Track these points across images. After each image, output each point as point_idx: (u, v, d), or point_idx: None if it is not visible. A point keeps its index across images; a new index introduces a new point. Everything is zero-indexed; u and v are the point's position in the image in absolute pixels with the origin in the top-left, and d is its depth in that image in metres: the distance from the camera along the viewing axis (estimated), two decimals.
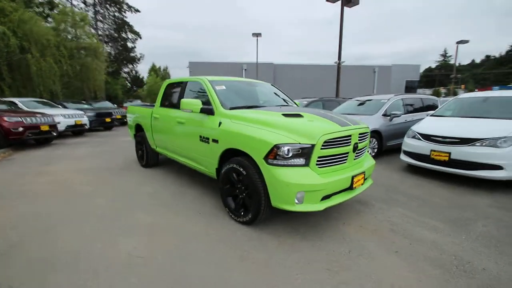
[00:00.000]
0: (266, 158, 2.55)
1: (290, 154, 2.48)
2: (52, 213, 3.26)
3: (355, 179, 2.81)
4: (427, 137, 4.67)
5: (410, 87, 28.70)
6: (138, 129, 5.67)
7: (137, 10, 26.68)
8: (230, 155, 3.13)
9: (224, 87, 3.65)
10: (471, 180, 4.43)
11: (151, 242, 2.61)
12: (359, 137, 2.97)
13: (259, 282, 2.04)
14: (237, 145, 2.86)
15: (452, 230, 2.85)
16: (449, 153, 4.28)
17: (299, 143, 2.48)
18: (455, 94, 29.57)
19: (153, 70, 54.68)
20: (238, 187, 2.99)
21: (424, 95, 8.31)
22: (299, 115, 2.94)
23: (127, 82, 35.48)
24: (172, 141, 4.22)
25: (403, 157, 5.17)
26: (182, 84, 4.23)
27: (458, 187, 4.18)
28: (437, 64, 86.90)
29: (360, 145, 3.00)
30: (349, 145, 2.82)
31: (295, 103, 4.31)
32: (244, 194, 2.93)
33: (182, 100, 3.38)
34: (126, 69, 30.96)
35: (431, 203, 3.57)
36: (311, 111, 3.17)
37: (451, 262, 2.29)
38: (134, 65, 30.13)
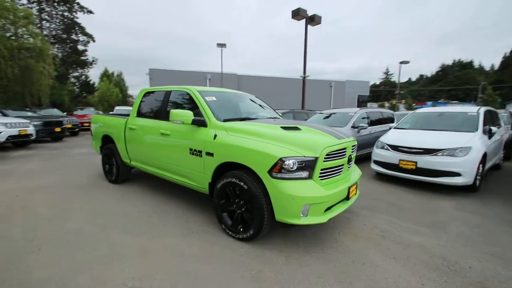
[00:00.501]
0: (270, 171, 2.51)
1: (295, 167, 2.49)
2: (13, 244, 2.74)
3: (350, 190, 2.93)
4: (395, 148, 5.13)
5: (361, 101, 31.46)
6: (106, 140, 5.17)
7: (90, 11, 24.74)
8: (224, 169, 3.03)
9: (214, 98, 3.55)
10: (433, 185, 4.96)
11: (147, 268, 2.35)
12: (351, 149, 3.13)
13: None
14: (236, 158, 2.78)
15: (433, 233, 3.13)
16: (416, 162, 4.75)
17: (304, 156, 2.51)
18: (396, 108, 33.22)
19: (106, 75, 50.92)
20: (236, 202, 2.89)
21: (383, 109, 9.16)
22: (296, 128, 2.99)
23: (75, 87, 32.30)
24: (153, 154, 3.92)
25: (373, 166, 5.57)
26: (163, 93, 4.00)
27: (424, 193, 4.64)
28: (381, 81, 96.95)
29: (352, 157, 3.16)
30: (345, 157, 2.95)
31: (279, 115, 4.38)
32: (242, 209, 2.84)
33: (172, 110, 3.18)
34: (75, 74, 28.18)
35: (407, 209, 3.89)
36: (306, 124, 3.25)
37: (442, 264, 2.50)
38: (85, 70, 27.54)
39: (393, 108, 36.46)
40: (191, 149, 3.26)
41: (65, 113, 15.14)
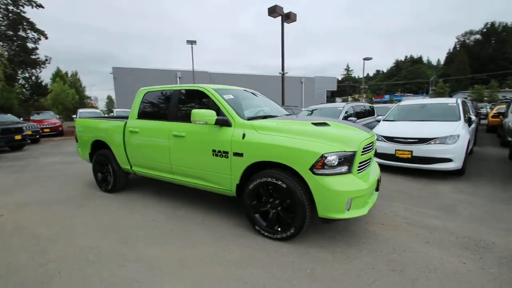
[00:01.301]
0: (312, 168, 2.49)
1: (336, 163, 2.49)
2: (26, 272, 2.37)
3: (378, 181, 3.03)
4: (390, 139, 5.42)
5: (330, 96, 32.84)
6: (97, 146, 4.72)
7: (40, 6, 22.13)
8: (253, 169, 2.94)
9: (232, 96, 3.41)
10: (426, 172, 5.36)
11: (196, 280, 2.19)
12: (376, 142, 3.24)
13: None
14: (272, 157, 2.70)
15: (447, 215, 3.38)
16: (411, 151, 5.07)
17: (344, 151, 2.53)
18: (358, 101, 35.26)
19: (58, 75, 46.44)
20: (270, 202, 2.82)
21: (365, 103, 9.64)
22: (325, 124, 2.99)
23: (24, 90, 28.87)
24: (162, 158, 3.65)
25: None
26: (171, 93, 3.74)
27: (421, 179, 4.98)
28: (342, 76, 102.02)
29: (375, 150, 3.27)
30: (372, 150, 3.04)
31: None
32: (278, 209, 2.78)
33: (194, 110, 2.99)
34: (25, 75, 25.15)
35: (415, 195, 4.14)
36: (331, 120, 3.27)
37: (469, 243, 2.70)
38: (37, 70, 24.68)
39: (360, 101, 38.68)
40: (214, 151, 3.10)
41: (21, 119, 13.50)
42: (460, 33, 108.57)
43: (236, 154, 2.94)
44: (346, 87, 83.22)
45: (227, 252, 2.61)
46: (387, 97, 65.86)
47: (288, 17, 13.12)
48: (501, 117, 8.66)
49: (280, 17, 13.13)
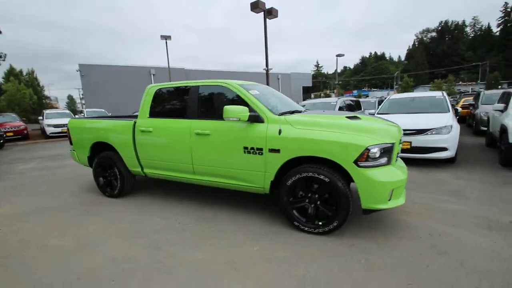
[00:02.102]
0: (356, 161, 2.53)
1: (378, 155, 2.56)
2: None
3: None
4: None
5: (306, 92, 33.62)
6: (97, 149, 4.36)
7: None
8: (287, 165, 2.91)
9: (257, 92, 3.33)
10: (420, 161, 5.71)
11: (257, 281, 2.12)
12: None
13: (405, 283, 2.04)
14: (313, 152, 2.69)
15: (459, 200, 3.64)
16: (410, 142, 5.38)
17: (385, 143, 2.60)
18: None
19: (12, 74, 42.11)
20: (309, 197, 2.83)
21: (352, 97, 10.01)
22: (357, 117, 3.05)
23: None
24: (182, 158, 3.47)
25: None
26: (188, 89, 3.56)
27: (420, 168, 5.31)
28: (313, 73, 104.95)
29: None
30: (401, 141, 3.17)
31: None
32: (317, 203, 2.80)
33: (226, 107, 2.87)
34: None
35: (423, 183, 4.40)
36: (360, 114, 3.34)
37: (490, 223, 2.93)
38: None
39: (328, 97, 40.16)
40: (246, 148, 3.02)
41: None
42: (418, 31, 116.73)
43: (272, 150, 2.88)
44: (317, 83, 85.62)
45: (272, 250, 2.57)
46: (355, 92, 69.30)
47: (270, 13, 13.10)
48: (471, 108, 9.48)
49: (261, 13, 13.08)
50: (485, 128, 8.12)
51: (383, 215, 3.24)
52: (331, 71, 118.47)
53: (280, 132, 2.85)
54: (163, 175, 3.78)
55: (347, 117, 2.98)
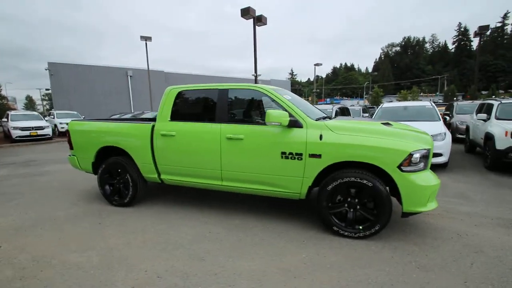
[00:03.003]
0: (400, 166, 2.62)
1: (419, 160, 2.68)
2: None
3: None
4: None
5: None
6: (103, 154, 4.05)
7: None
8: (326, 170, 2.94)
9: (289, 97, 3.33)
10: None
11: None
12: None
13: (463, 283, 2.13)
14: (355, 157, 2.74)
15: (467, 202, 3.91)
16: None
17: (424, 149, 2.73)
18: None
19: None
20: (348, 202, 2.87)
21: (341, 104, 10.41)
22: (389, 124, 3.17)
23: None
24: (210, 163, 3.34)
25: None
26: (216, 92, 3.45)
27: None
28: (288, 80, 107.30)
29: None
30: None
31: None
32: (357, 208, 2.84)
33: (269, 111, 2.82)
34: None
35: None
36: (390, 120, 3.47)
37: (504, 222, 3.18)
38: None
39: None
40: (284, 153, 2.99)
41: None
42: (384, 45, 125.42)
43: (312, 155, 2.88)
44: (293, 90, 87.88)
45: (322, 256, 2.55)
46: (328, 100, 72.53)
47: (260, 20, 13.29)
48: (447, 117, 10.33)
49: (248, 19, 13.21)
50: (462, 136, 8.88)
51: (411, 218, 3.37)
52: (304, 79, 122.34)
53: (321, 137, 2.87)
54: (184, 181, 3.60)
55: (382, 123, 3.09)
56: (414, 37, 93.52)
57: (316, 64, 31.21)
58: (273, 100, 3.19)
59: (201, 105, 3.58)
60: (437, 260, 2.44)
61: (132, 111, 22.47)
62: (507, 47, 68.44)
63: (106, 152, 4.08)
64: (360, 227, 2.82)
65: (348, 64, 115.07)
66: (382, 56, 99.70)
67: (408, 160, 2.62)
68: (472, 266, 2.34)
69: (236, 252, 2.65)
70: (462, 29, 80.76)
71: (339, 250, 2.63)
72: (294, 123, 2.98)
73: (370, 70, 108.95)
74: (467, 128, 7.86)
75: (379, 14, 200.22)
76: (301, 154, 2.93)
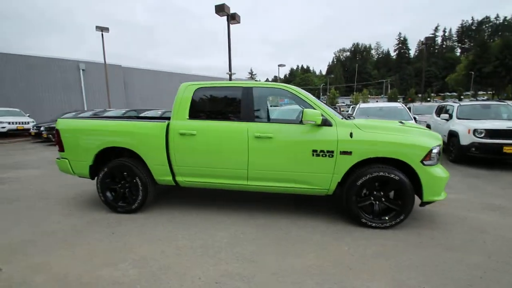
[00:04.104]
0: (422, 160, 2.92)
1: (435, 154, 3.02)
2: None
3: None
4: None
5: None
6: (102, 156, 3.67)
7: None
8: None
9: (313, 97, 3.42)
10: None
11: (390, 279, 2.23)
12: None
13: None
14: (384, 153, 2.96)
15: (453, 190, 4.48)
16: None
17: (439, 145, 3.07)
18: None
19: None
20: (374, 195, 3.09)
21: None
22: (402, 122, 3.48)
23: None
24: (237, 163, 3.26)
25: None
26: (239, 90, 3.37)
27: None
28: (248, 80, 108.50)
29: None
30: None
31: None
32: (382, 200, 3.08)
33: (306, 110, 2.88)
34: None
35: None
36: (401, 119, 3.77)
37: (490, 206, 3.75)
38: None
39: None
40: (315, 151, 3.07)
41: None
42: (336, 50, 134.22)
43: (343, 152, 3.03)
44: None
45: (363, 247, 2.69)
46: (286, 100, 75.02)
47: (234, 18, 13.18)
48: (416, 117, 11.58)
49: (222, 16, 13.03)
50: None
51: (414, 208, 3.73)
52: (262, 79, 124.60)
53: (351, 135, 3.03)
54: (204, 183, 3.45)
55: (399, 122, 3.38)
56: (362, 44, 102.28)
57: (280, 65, 32.11)
58: (302, 100, 3.25)
59: (223, 103, 3.47)
60: (457, 242, 2.78)
61: (86, 109, 20.34)
62: (437, 56, 79.23)
63: (106, 154, 3.69)
64: (386, 218, 3.06)
65: (304, 67, 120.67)
66: (335, 60, 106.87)
67: (429, 155, 2.93)
68: (486, 244, 2.73)
69: (280, 250, 2.66)
70: (401, 39, 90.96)
71: (374, 241, 2.82)
72: (325, 122, 3.09)
73: (324, 72, 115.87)
74: (428, 126, 8.94)
75: (332, 21, 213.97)
76: (332, 152, 3.05)
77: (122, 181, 3.62)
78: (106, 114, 11.98)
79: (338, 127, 3.09)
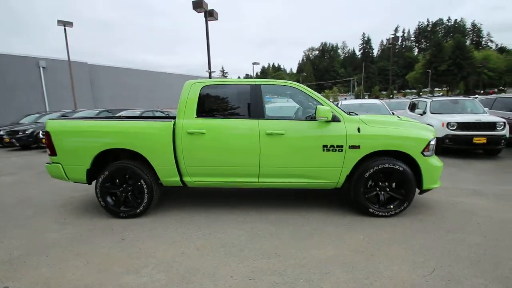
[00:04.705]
0: (422, 152, 3.17)
1: (433, 146, 3.29)
2: None
3: None
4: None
5: None
6: (100, 160, 3.47)
7: None
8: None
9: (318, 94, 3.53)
10: None
11: (409, 259, 2.40)
12: None
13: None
14: (389, 146, 3.16)
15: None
16: None
17: (434, 137, 3.35)
18: None
19: None
20: (379, 186, 3.29)
21: None
22: (399, 117, 3.72)
23: None
24: (248, 160, 3.26)
25: None
26: (246, 88, 3.37)
27: None
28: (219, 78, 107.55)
29: None
30: None
31: None
32: (387, 190, 3.29)
33: (319, 107, 2.97)
34: None
35: None
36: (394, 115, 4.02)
37: (474, 192, 4.16)
38: None
39: None
40: (325, 146, 3.19)
41: None
42: (306, 48, 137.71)
43: (352, 147, 3.17)
44: None
45: (376, 235, 2.85)
46: (269, 97, 75.82)
47: (211, 15, 12.98)
48: (394, 113, 12.33)
49: (202, 13, 12.78)
50: None
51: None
52: (234, 77, 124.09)
53: (359, 130, 3.19)
54: (213, 182, 3.41)
55: (397, 116, 3.62)
56: (329, 43, 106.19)
57: (254, 63, 32.22)
58: (309, 96, 3.34)
59: (232, 101, 3.44)
60: (456, 224, 3.07)
61: (47, 110, 18.73)
62: (398, 55, 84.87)
63: (104, 157, 3.48)
64: (391, 207, 3.27)
65: (276, 65, 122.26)
66: (305, 59, 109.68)
67: (428, 147, 3.18)
68: (480, 225, 3.04)
69: (299, 243, 2.73)
70: (366, 39, 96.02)
71: (384, 229, 3.01)
72: (334, 118, 3.21)
73: (295, 71, 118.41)
74: None
75: (299, 20, 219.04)
76: (341, 146, 3.18)
77: (124, 184, 3.44)
78: (78, 115, 11.17)
79: (346, 122, 3.23)
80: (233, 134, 3.27)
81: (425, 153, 3.18)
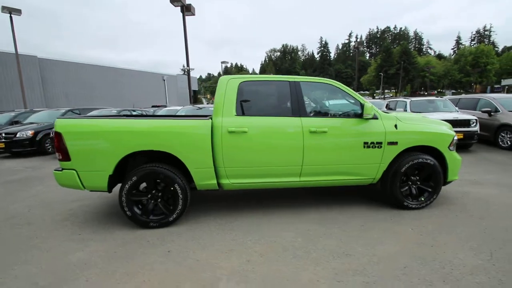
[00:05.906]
0: (449, 146, 3.43)
1: (455, 141, 3.57)
2: None
3: None
4: None
5: (193, 95, 33.15)
6: (123, 165, 3.09)
7: None
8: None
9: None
10: None
11: (461, 247, 2.55)
12: None
13: None
14: (422, 142, 3.35)
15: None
16: None
17: (455, 133, 3.64)
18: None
19: None
20: (411, 179, 3.47)
21: None
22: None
23: None
24: (291, 159, 3.16)
25: None
26: (287, 85, 3.27)
27: None
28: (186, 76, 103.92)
29: None
30: None
31: None
32: (418, 183, 3.49)
33: (367, 104, 3.00)
34: None
35: None
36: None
37: (471, 182, 4.63)
38: None
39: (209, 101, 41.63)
40: (366, 143, 3.25)
41: None
42: (268, 49, 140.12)
43: (390, 143, 3.29)
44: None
45: (421, 227, 2.99)
46: None
47: (188, 10, 12.43)
48: None
49: (177, 8, 12.16)
50: None
51: None
52: (196, 76, 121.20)
53: (396, 127, 3.31)
54: (253, 183, 3.24)
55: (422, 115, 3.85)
56: (290, 45, 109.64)
57: (223, 62, 31.74)
58: (347, 94, 3.37)
59: (272, 98, 3.31)
60: (475, 212, 3.37)
61: None
62: (352, 59, 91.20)
63: (126, 161, 3.09)
64: (422, 199, 3.47)
65: (238, 65, 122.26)
66: (267, 60, 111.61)
67: (452, 142, 3.45)
68: (499, 210, 3.39)
69: (359, 240, 2.73)
70: (323, 43, 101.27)
71: (424, 220, 3.16)
72: (373, 115, 3.29)
73: (257, 71, 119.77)
74: None
75: (259, 21, 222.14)
76: (381, 143, 3.28)
77: (152, 190, 3.08)
78: (35, 114, 9.73)
79: (383, 120, 3.34)
80: (277, 132, 3.14)
81: (450, 148, 3.44)
